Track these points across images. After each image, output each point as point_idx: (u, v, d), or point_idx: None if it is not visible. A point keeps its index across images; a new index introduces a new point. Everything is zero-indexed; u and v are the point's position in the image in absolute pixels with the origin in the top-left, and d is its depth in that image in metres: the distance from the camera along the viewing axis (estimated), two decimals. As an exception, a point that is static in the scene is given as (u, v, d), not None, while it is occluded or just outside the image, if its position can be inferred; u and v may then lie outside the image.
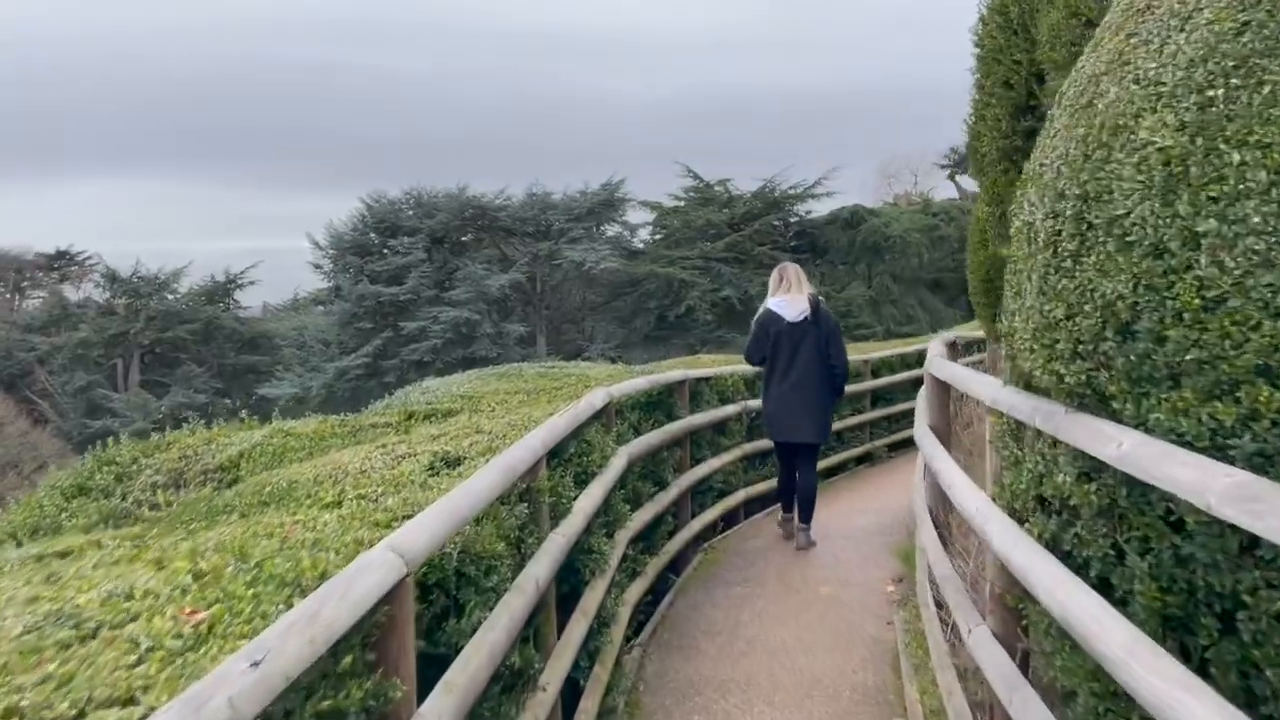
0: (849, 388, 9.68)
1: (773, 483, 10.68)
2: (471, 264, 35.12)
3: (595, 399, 5.91)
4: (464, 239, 36.94)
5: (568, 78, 77.69)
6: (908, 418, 14.13)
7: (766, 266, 37.51)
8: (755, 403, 10.29)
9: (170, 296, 37.40)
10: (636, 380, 7.11)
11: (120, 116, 67.47)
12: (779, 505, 9.17)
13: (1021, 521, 3.52)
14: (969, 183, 41.99)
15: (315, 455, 5.53)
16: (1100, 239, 2.95)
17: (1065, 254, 3.12)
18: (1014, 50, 6.78)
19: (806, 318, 8.01)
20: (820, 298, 8.40)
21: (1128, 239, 2.79)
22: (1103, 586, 2.81)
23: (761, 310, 8.26)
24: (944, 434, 5.99)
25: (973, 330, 16.19)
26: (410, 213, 36.14)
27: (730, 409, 9.59)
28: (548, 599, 4.17)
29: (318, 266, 36.22)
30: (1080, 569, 3.03)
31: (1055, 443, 3.21)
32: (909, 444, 14.14)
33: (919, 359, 14.66)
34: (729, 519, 9.65)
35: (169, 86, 70.20)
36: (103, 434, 33.40)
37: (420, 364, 34.58)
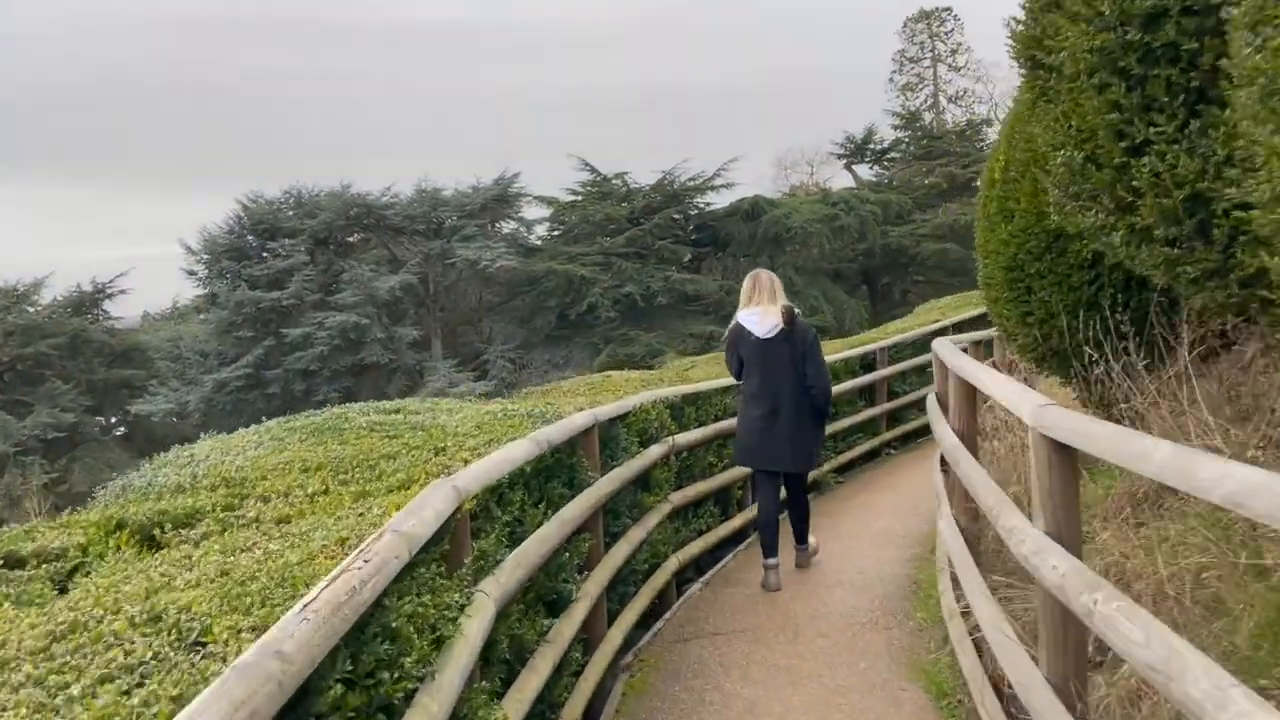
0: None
1: (709, 538, 7.87)
2: (358, 265, 31.56)
3: (425, 511, 2.88)
4: (350, 239, 33.30)
5: (456, 73, 73.05)
6: (855, 434, 11.36)
7: (668, 261, 34.69)
8: (685, 438, 7.41)
9: (30, 309, 32.86)
10: (514, 447, 4.08)
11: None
12: (726, 561, 7.33)
13: None
14: (865, 171, 39.82)
15: None
16: None
17: None
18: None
19: (780, 332, 6.74)
20: (796, 309, 7.01)
21: None
22: None
23: (732, 324, 7.09)
24: (1075, 543, 3.09)
25: (915, 324, 13.51)
26: (290, 213, 32.35)
27: (654, 452, 6.64)
28: None
29: (191, 273, 32.18)
30: None
31: None
32: (855, 466, 11.40)
33: (863, 363, 11.88)
34: (658, 601, 6.71)
35: (25, 89, 63.77)
36: (-44, 461, 29.10)
37: (306, 373, 30.98)
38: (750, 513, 8.72)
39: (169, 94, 65.15)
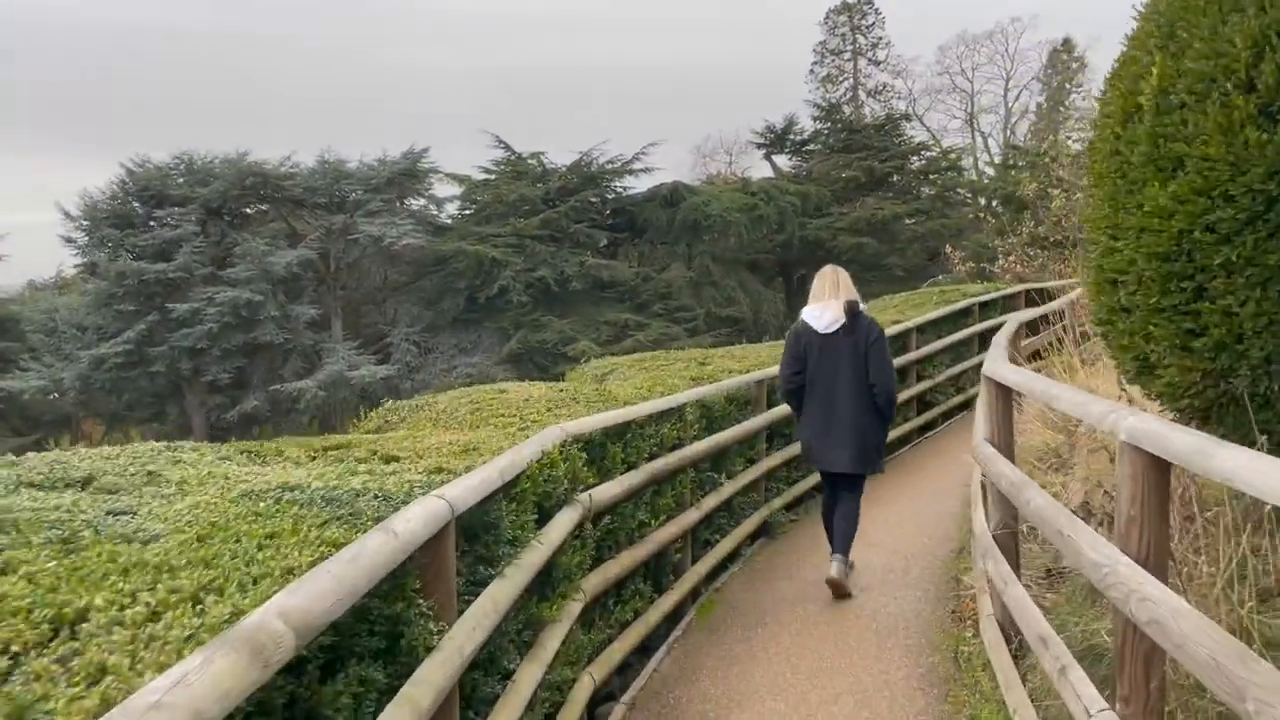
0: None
1: (639, 630, 5.31)
2: (253, 239, 28.14)
3: None
4: (246, 210, 29.81)
5: (370, 48, 67.64)
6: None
7: (584, 245, 31.82)
8: (608, 491, 4.83)
9: (-110, 275, 28.78)
10: (205, 675, 1.38)
11: None
12: (659, 659, 5.15)
13: None
14: (785, 163, 37.59)
15: None
16: None
17: None
18: None
19: (841, 328, 6.02)
20: (862, 305, 6.28)
21: None
22: None
23: (797, 320, 6.37)
24: None
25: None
26: (180, 180, 28.70)
27: (561, 527, 4.02)
28: None
29: (70, 240, 28.37)
30: None
31: None
32: (811, 497, 8.92)
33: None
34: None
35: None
36: None
37: (194, 351, 27.56)
38: (691, 580, 6.18)
39: (64, 51, 59.31)
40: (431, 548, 2.63)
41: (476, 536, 3.21)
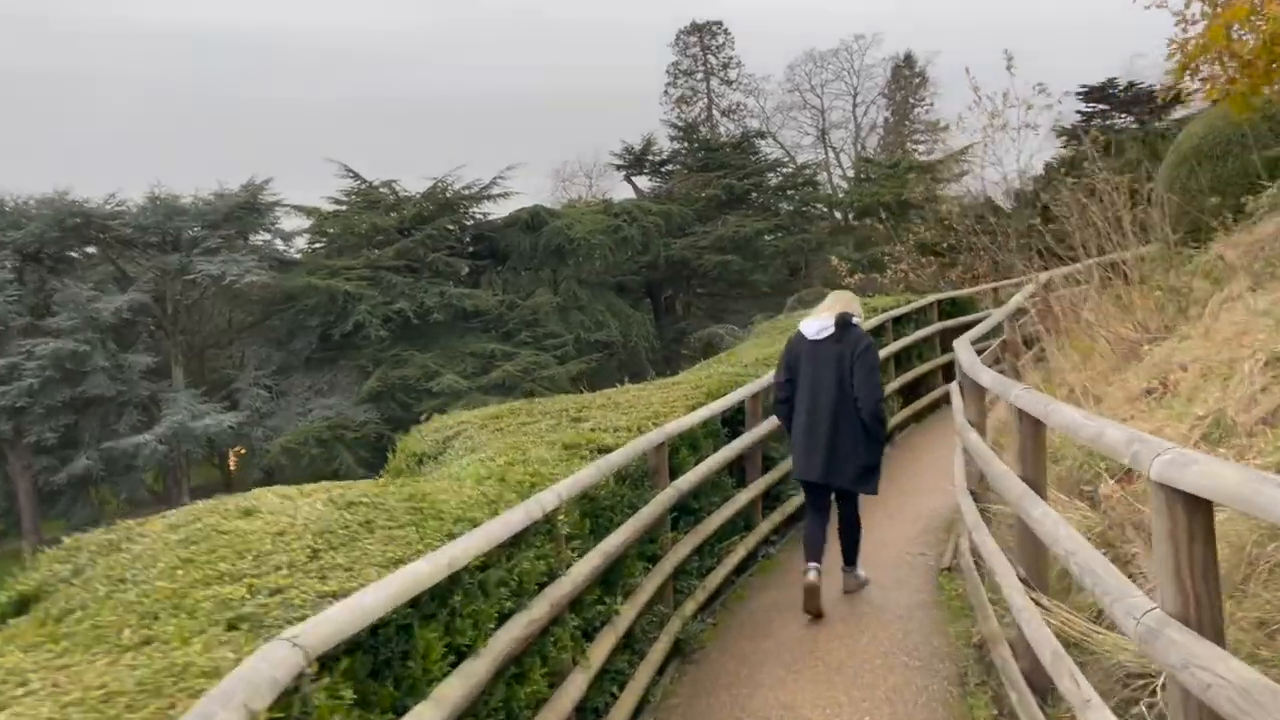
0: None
1: None
2: (76, 284, 24.36)
3: None
4: (69, 254, 25.94)
5: (209, 79, 61.95)
6: (726, 535, 6.47)
7: (444, 274, 28.92)
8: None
9: None
10: None
11: None
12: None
13: None
14: (645, 184, 35.59)
15: None
16: None
17: None
18: None
19: (829, 336, 5.55)
20: (854, 316, 5.65)
21: None
22: None
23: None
24: None
25: (776, 353, 8.77)
26: (-11, 223, 24.76)
27: None
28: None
29: None
30: None
31: None
32: (728, 587, 6.56)
33: (726, 417, 6.98)
34: None
35: None
36: None
37: (14, 410, 23.62)
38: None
39: None
40: None
41: None
